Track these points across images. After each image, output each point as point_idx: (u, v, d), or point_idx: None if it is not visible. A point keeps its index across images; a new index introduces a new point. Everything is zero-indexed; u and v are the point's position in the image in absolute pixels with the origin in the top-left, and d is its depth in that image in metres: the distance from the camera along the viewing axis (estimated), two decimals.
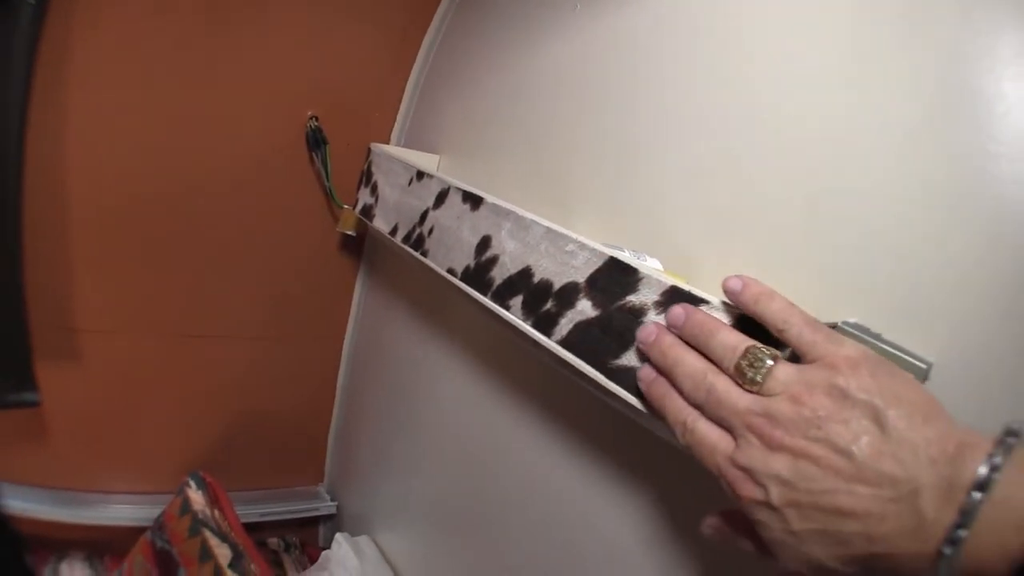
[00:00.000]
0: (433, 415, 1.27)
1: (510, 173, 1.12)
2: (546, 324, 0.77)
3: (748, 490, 0.54)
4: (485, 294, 0.87)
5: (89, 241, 1.21)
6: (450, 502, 1.22)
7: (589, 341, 0.72)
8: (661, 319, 0.66)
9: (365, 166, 1.32)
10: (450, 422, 1.22)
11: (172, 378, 1.39)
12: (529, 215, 0.83)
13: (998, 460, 0.44)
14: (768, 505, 0.53)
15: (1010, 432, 0.46)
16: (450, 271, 0.94)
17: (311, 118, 1.34)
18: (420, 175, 1.09)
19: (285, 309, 1.48)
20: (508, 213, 0.86)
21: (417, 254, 1.03)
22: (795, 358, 0.56)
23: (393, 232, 1.12)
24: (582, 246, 0.74)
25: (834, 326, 0.63)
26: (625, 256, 0.71)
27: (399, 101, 1.47)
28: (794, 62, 0.74)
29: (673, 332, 0.64)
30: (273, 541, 1.53)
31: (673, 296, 0.65)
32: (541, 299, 0.78)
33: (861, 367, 0.52)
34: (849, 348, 0.54)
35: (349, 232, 1.42)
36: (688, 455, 0.60)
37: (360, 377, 1.55)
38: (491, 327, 1.05)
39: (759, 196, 0.74)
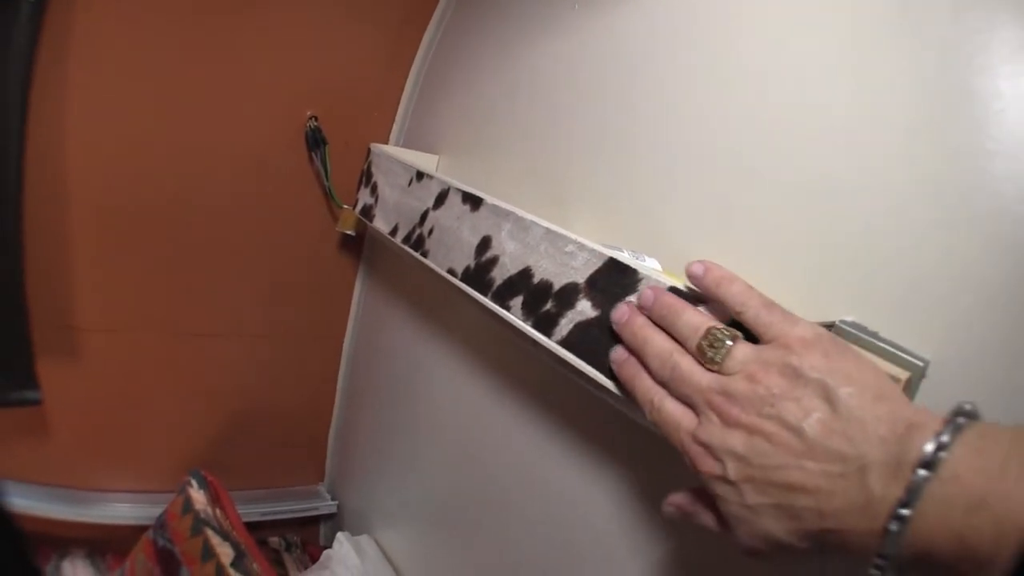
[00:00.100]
0: (433, 414, 1.28)
1: (509, 172, 1.13)
2: (546, 324, 0.77)
3: (708, 465, 0.57)
4: (485, 294, 0.87)
5: (90, 240, 1.21)
6: (450, 501, 1.23)
7: (589, 341, 0.72)
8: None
9: (365, 166, 1.32)
10: (450, 421, 1.23)
11: (173, 377, 1.40)
12: (529, 216, 0.83)
13: (945, 439, 0.45)
14: (726, 480, 0.55)
15: (960, 412, 0.47)
16: (450, 271, 0.95)
17: (310, 118, 1.34)
18: (420, 175, 1.09)
19: (285, 308, 1.48)
20: (508, 214, 0.86)
21: (417, 255, 1.03)
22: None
23: (393, 232, 1.12)
24: (581, 247, 0.75)
25: (831, 325, 0.63)
26: (624, 257, 0.71)
27: (398, 101, 1.47)
28: (790, 61, 0.74)
29: (644, 314, 0.66)
30: (274, 540, 1.53)
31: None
32: (541, 299, 0.78)
33: (814, 347, 0.54)
34: (803, 328, 0.56)
35: (349, 232, 1.43)
36: (661, 436, 0.62)
37: (360, 376, 1.56)
38: (491, 327, 1.05)
39: (757, 196, 0.75)
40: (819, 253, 0.69)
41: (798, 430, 0.51)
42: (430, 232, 1.02)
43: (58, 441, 1.29)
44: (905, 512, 0.45)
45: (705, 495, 0.61)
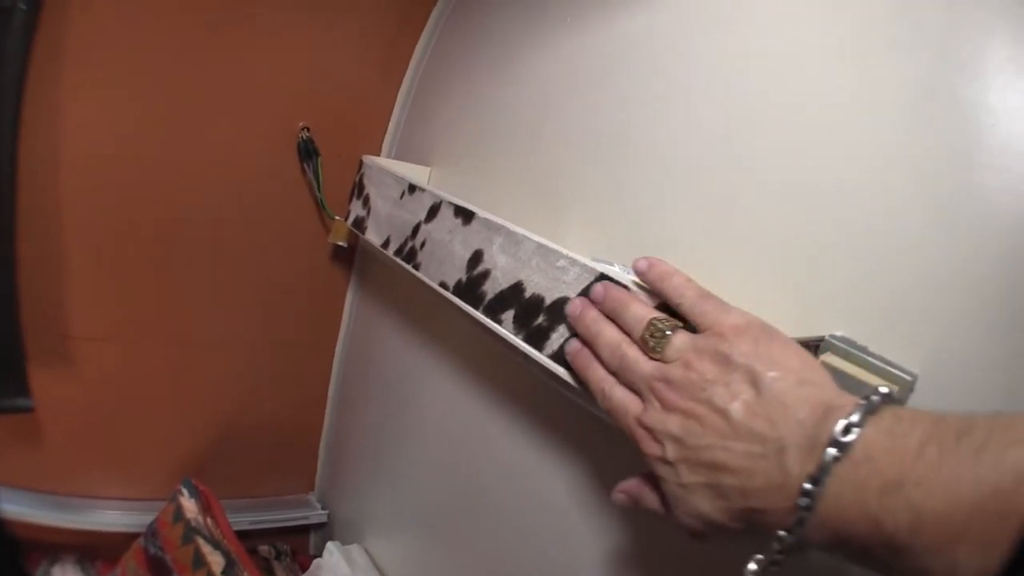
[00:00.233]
0: (424, 425, 1.28)
1: (501, 183, 1.14)
2: (537, 338, 0.78)
3: (650, 447, 0.60)
4: (477, 308, 0.88)
5: (82, 249, 1.21)
6: (441, 511, 1.23)
7: None
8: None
9: (357, 178, 1.33)
10: (441, 432, 1.23)
11: (165, 385, 1.40)
12: (520, 230, 0.84)
13: (855, 418, 0.47)
14: (665, 460, 0.58)
15: (872, 394, 0.49)
16: (442, 285, 0.95)
17: (303, 129, 1.35)
18: (412, 188, 1.10)
19: (277, 318, 1.48)
20: (500, 228, 0.87)
21: (409, 267, 1.04)
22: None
23: (385, 245, 1.13)
24: (573, 262, 0.76)
25: (821, 339, 0.65)
26: (615, 271, 0.72)
27: (390, 113, 1.48)
28: (783, 73, 0.75)
29: (597, 307, 0.70)
30: (264, 549, 1.53)
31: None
32: (533, 314, 0.79)
33: (745, 334, 0.57)
34: (735, 316, 0.59)
35: (341, 243, 1.43)
36: (613, 423, 0.66)
37: (351, 386, 1.56)
38: (481, 339, 1.06)
39: (748, 210, 0.76)
40: (810, 268, 0.70)
41: (725, 413, 0.54)
42: (422, 245, 1.03)
43: (50, 448, 1.29)
44: (811, 487, 0.47)
45: (651, 481, 0.64)
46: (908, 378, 0.60)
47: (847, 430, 0.47)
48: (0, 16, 1.00)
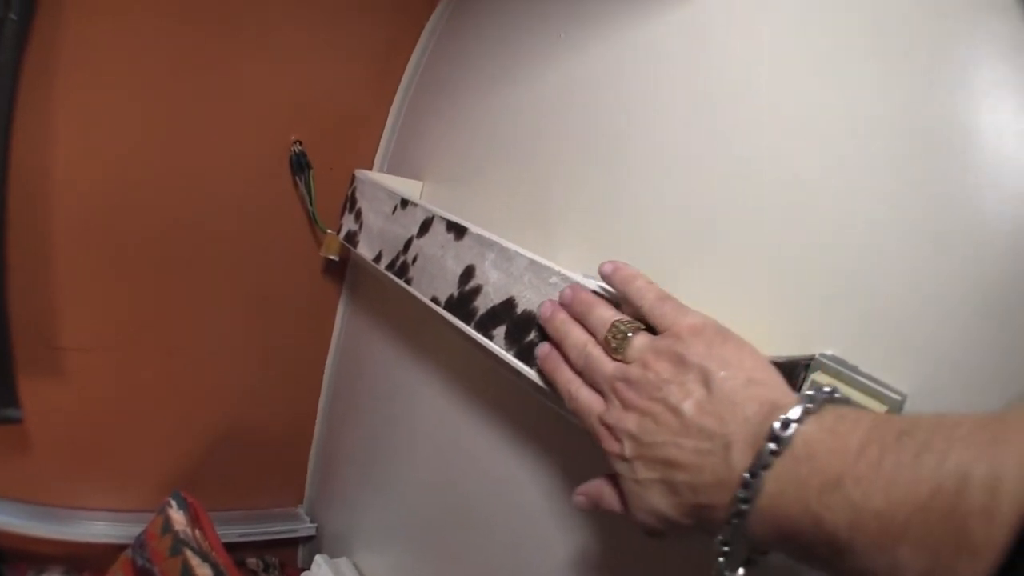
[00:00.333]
0: (414, 439, 1.28)
1: (493, 198, 1.14)
2: (529, 354, 0.78)
3: (610, 445, 0.62)
4: (468, 323, 0.89)
5: (73, 258, 1.21)
6: (430, 525, 1.23)
7: None
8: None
9: (349, 192, 1.33)
10: (431, 446, 1.23)
11: (154, 398, 1.39)
12: (513, 246, 0.85)
13: (794, 414, 0.48)
14: (623, 457, 0.60)
15: (817, 392, 0.51)
16: (434, 300, 0.96)
17: (295, 142, 1.35)
18: (404, 203, 1.10)
19: (268, 331, 1.48)
20: (492, 244, 0.88)
21: (401, 282, 1.04)
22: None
23: (377, 259, 1.14)
24: (565, 278, 0.77)
25: (812, 358, 0.65)
26: (607, 288, 0.74)
27: (382, 127, 1.48)
28: (773, 96, 0.75)
29: (566, 310, 0.73)
30: (252, 561, 1.53)
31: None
32: (524, 329, 0.80)
33: (700, 335, 0.60)
34: (692, 318, 0.62)
35: (332, 257, 1.43)
36: (579, 423, 0.68)
37: (342, 400, 1.56)
38: (472, 354, 1.06)
39: (740, 229, 0.76)
40: (801, 288, 0.70)
41: (678, 410, 0.56)
42: (414, 260, 1.03)
43: (38, 459, 1.28)
44: (749, 479, 0.49)
45: (611, 482, 0.66)
46: (898, 397, 0.60)
47: (786, 426, 0.48)
48: None
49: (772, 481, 0.48)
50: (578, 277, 0.76)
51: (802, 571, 0.62)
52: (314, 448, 1.65)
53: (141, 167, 1.23)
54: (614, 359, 0.65)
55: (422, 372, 1.26)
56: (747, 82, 0.78)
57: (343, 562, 1.42)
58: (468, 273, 0.91)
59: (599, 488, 0.67)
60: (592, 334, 0.69)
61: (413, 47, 1.44)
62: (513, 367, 0.80)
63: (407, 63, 1.45)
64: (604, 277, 0.71)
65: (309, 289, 1.52)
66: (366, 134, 1.47)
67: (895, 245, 0.63)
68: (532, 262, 0.81)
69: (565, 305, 0.74)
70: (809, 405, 0.49)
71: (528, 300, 0.81)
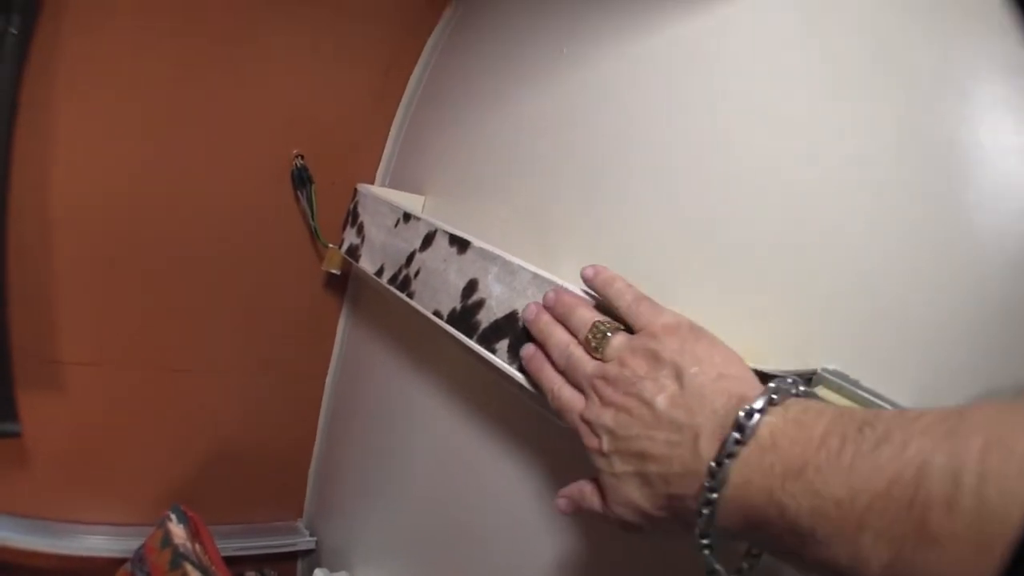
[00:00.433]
0: (415, 453, 1.28)
1: (494, 214, 1.14)
2: None
3: (590, 440, 0.64)
4: (471, 337, 0.88)
5: (72, 273, 1.21)
6: (431, 540, 1.22)
7: None
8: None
9: (351, 206, 1.33)
10: (432, 460, 1.23)
11: (154, 411, 1.39)
12: (516, 260, 0.85)
13: (758, 404, 0.50)
14: (602, 452, 0.62)
15: (782, 383, 0.53)
16: (436, 313, 0.96)
17: (296, 156, 1.35)
18: (407, 217, 1.10)
19: (269, 345, 1.48)
20: (495, 258, 0.88)
21: (403, 296, 1.04)
22: None
23: (379, 273, 1.13)
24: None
25: (814, 372, 0.65)
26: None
27: (384, 141, 1.49)
28: (773, 109, 0.76)
29: (550, 312, 0.76)
30: (251, 575, 1.52)
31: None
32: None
33: (674, 333, 0.62)
34: (666, 317, 0.65)
35: (334, 271, 1.43)
36: (562, 422, 0.70)
37: (342, 413, 1.56)
38: (475, 368, 1.06)
39: (740, 244, 0.76)
40: (803, 303, 0.70)
41: (651, 404, 0.58)
42: (416, 274, 1.03)
43: (37, 473, 1.28)
44: (715, 467, 0.51)
45: (590, 483, 0.67)
46: None
47: (750, 415, 0.50)
48: None
49: (738, 471, 0.50)
50: (581, 292, 0.77)
51: None
52: (314, 462, 1.64)
53: (141, 181, 1.23)
54: (594, 358, 0.68)
55: (423, 386, 1.26)
56: (749, 100, 0.78)
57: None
58: (471, 287, 0.91)
59: (580, 489, 0.68)
60: (574, 335, 0.72)
61: (415, 62, 1.45)
62: (516, 381, 0.80)
63: (409, 77, 1.46)
64: (585, 281, 0.75)
65: (310, 303, 1.52)
66: (368, 148, 1.48)
67: (896, 260, 0.63)
68: (535, 276, 0.81)
69: (549, 307, 0.76)
70: (774, 396, 0.51)
71: None
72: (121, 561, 1.26)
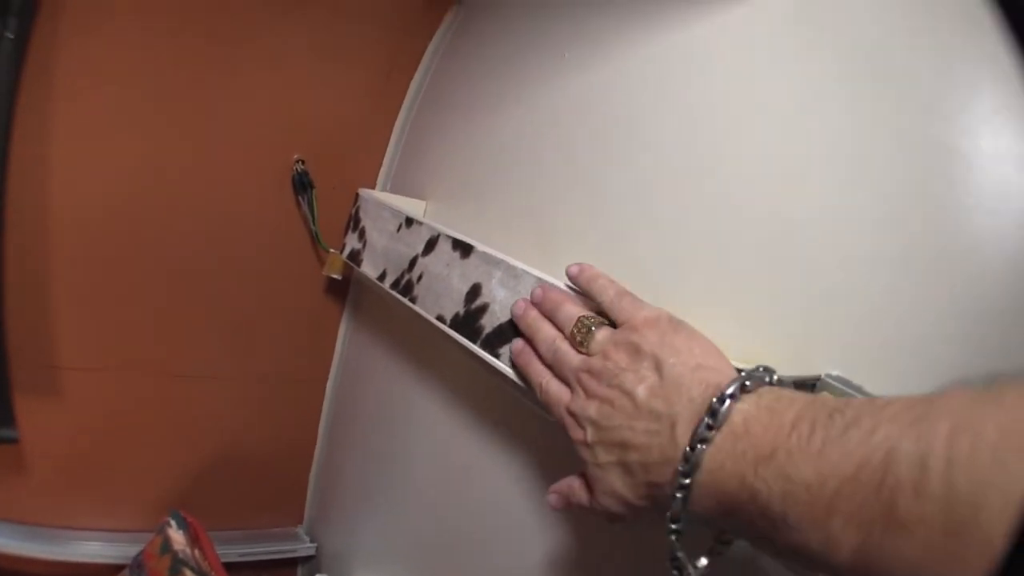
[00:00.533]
0: (417, 459, 1.27)
1: (495, 219, 1.14)
2: None
3: (576, 432, 0.66)
4: (475, 341, 0.88)
5: (71, 279, 1.21)
6: (432, 547, 1.22)
7: None
8: None
9: (352, 211, 1.33)
10: (434, 467, 1.22)
11: (153, 417, 1.38)
12: (520, 264, 0.85)
13: (730, 391, 0.52)
14: (587, 444, 0.64)
15: (754, 371, 0.54)
16: (439, 318, 0.96)
17: (297, 161, 1.35)
18: (409, 221, 1.10)
19: (269, 350, 1.48)
20: (499, 262, 0.88)
21: (406, 300, 1.04)
22: None
23: (381, 278, 1.13)
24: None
25: (817, 378, 0.65)
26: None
27: (385, 146, 1.48)
28: (772, 117, 0.76)
29: (537, 308, 0.78)
30: None
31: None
32: None
33: (655, 326, 0.64)
34: (647, 311, 0.67)
35: (335, 276, 1.43)
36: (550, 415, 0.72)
37: (343, 419, 1.55)
38: (478, 372, 1.06)
39: (745, 252, 0.76)
40: (806, 309, 0.70)
41: (632, 395, 0.60)
42: (419, 278, 1.03)
43: (34, 479, 1.27)
44: (689, 452, 0.52)
45: (578, 478, 0.69)
46: None
47: (722, 401, 0.52)
48: None
49: (711, 456, 0.51)
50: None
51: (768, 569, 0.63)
52: (314, 468, 1.64)
53: (141, 184, 1.22)
54: (579, 352, 0.70)
55: (424, 391, 1.26)
56: (753, 104, 0.78)
57: None
58: (474, 291, 0.91)
59: (569, 484, 0.70)
60: (560, 330, 0.74)
61: (416, 66, 1.45)
62: (519, 385, 0.81)
63: (410, 82, 1.45)
64: (570, 278, 0.77)
65: (311, 308, 1.51)
66: (368, 153, 1.47)
67: (899, 269, 0.63)
68: (540, 280, 0.81)
69: (536, 303, 0.78)
70: (746, 384, 0.53)
71: None
72: (120, 567, 1.25)
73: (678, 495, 0.53)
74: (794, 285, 0.71)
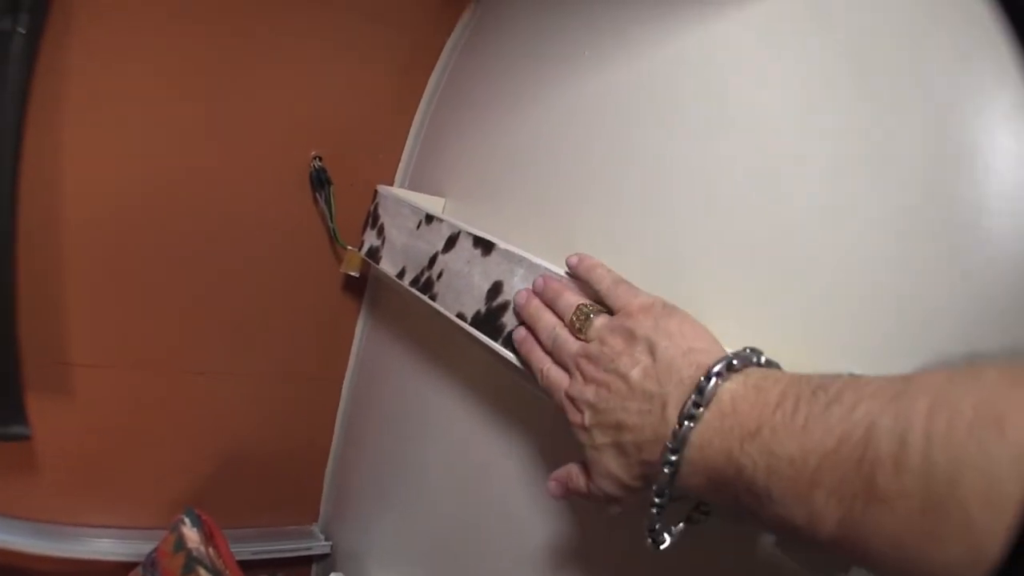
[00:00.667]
0: (435, 458, 1.27)
1: (515, 216, 1.13)
2: None
3: (574, 416, 0.69)
4: (496, 339, 0.88)
5: (84, 276, 1.20)
6: (449, 547, 1.21)
7: None
8: None
9: (371, 208, 1.32)
10: (452, 466, 1.21)
11: (167, 414, 1.38)
12: (542, 262, 0.85)
13: (716, 369, 0.55)
14: (584, 427, 0.67)
15: (741, 351, 0.57)
16: (460, 316, 0.95)
17: (315, 158, 1.35)
18: (429, 218, 1.10)
19: (285, 348, 1.47)
20: (521, 260, 0.87)
21: (426, 298, 1.04)
22: None
23: (401, 275, 1.13)
24: None
25: None
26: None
27: (403, 143, 1.48)
28: (791, 119, 0.75)
29: (540, 297, 0.81)
30: None
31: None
32: None
33: (649, 312, 0.67)
34: (642, 298, 0.70)
35: (352, 273, 1.42)
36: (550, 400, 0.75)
37: (359, 417, 1.54)
38: (498, 371, 1.05)
39: (768, 250, 0.75)
40: (818, 309, 0.69)
41: (627, 378, 0.63)
42: (439, 276, 1.03)
43: (47, 477, 1.27)
44: (678, 429, 0.55)
45: (577, 464, 0.72)
46: None
47: (709, 379, 0.54)
48: None
49: (699, 433, 0.54)
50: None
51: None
52: (330, 465, 1.64)
53: (156, 180, 1.22)
54: (578, 339, 0.73)
55: (442, 389, 1.25)
56: (768, 103, 0.77)
57: None
58: (496, 289, 0.90)
59: (567, 470, 0.73)
60: (560, 318, 0.77)
61: (435, 63, 1.44)
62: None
63: (428, 79, 1.45)
64: (570, 267, 0.81)
65: (328, 306, 1.51)
66: (387, 150, 1.47)
67: (915, 269, 0.62)
68: (562, 278, 0.82)
69: (538, 293, 0.81)
70: (733, 362, 0.55)
71: None
72: (133, 565, 1.25)
73: (666, 470, 0.56)
74: (809, 288, 0.70)
